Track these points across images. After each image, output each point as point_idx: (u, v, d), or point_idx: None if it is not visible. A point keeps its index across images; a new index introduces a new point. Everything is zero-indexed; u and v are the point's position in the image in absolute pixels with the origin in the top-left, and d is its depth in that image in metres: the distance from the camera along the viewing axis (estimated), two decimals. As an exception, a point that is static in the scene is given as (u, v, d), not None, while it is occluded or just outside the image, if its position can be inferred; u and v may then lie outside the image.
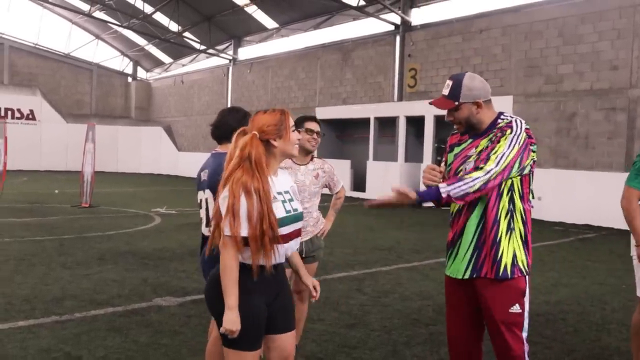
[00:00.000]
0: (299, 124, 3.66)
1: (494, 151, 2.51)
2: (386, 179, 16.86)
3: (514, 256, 2.57)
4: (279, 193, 2.36)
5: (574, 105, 13.48)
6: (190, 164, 26.25)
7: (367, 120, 18.25)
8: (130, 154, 29.71)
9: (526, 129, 2.58)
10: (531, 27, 14.37)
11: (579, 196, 12.40)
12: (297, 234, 2.42)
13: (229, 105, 26.00)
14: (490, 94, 2.68)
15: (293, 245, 2.42)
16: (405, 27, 17.88)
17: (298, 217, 2.41)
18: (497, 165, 2.47)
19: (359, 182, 18.36)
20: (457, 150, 2.74)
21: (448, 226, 2.77)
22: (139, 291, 5.64)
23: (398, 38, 18.11)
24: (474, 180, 2.44)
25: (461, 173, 2.63)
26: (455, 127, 2.69)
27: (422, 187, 2.66)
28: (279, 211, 2.30)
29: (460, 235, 2.65)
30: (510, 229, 2.57)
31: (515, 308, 2.54)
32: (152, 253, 7.67)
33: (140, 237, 8.97)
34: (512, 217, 2.56)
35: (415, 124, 17.31)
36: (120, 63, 33.25)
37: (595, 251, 8.98)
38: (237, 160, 2.28)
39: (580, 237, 10.41)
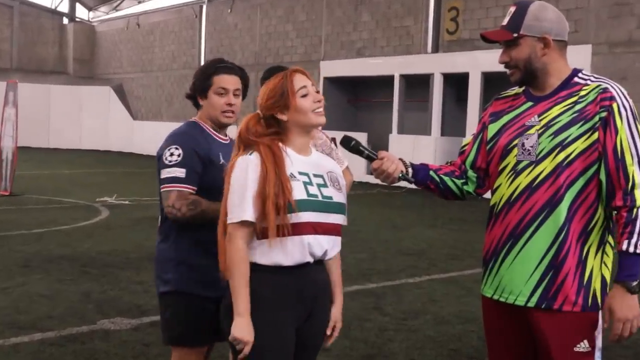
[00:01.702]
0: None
1: (620, 147, 2.49)
2: (415, 159, 16.60)
3: (603, 280, 2.57)
4: (302, 173, 2.51)
5: (675, 58, 13.37)
6: (150, 137, 26.24)
7: (389, 79, 18.22)
8: (67, 124, 29.78)
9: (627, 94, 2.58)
10: (618, -51, 14.23)
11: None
12: (327, 228, 2.54)
13: (202, 58, 26.09)
14: (567, 34, 2.66)
15: (322, 242, 2.52)
16: (443, -50, 17.78)
17: (330, 207, 2.54)
18: None
19: (378, 163, 18.33)
20: (506, 119, 2.71)
21: (488, 225, 2.73)
22: (77, 310, 5.62)
23: (434, -35, 18.02)
24: None
25: (515, 152, 2.60)
26: (508, 74, 2.66)
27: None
28: (297, 192, 2.45)
29: (516, 244, 2.61)
30: (603, 242, 2.58)
31: (583, 346, 2.54)
32: (96, 258, 7.67)
33: (81, 237, 8.97)
34: (607, 225, 2.58)
35: (456, 84, 17.25)
36: (53, -1, 33.20)
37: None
38: (237, 140, 2.55)
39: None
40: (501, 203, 2.66)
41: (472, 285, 6.97)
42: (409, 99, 18.11)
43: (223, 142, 3.11)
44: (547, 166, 2.54)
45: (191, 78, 3.21)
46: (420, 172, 2.79)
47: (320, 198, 2.52)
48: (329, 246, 2.55)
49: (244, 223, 2.43)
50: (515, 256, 2.61)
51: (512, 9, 2.64)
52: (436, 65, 17.23)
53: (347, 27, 20.43)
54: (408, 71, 17.85)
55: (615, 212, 2.51)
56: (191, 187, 2.90)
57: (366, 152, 2.75)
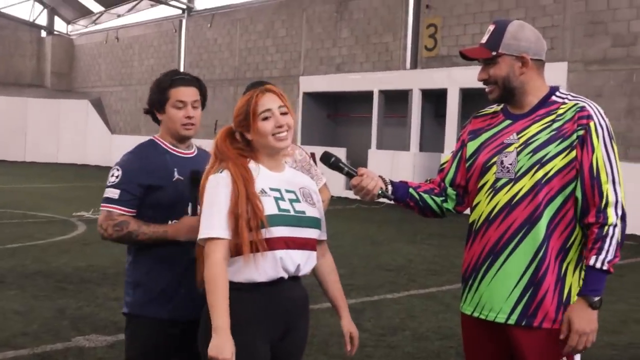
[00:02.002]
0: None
1: (595, 165, 2.52)
2: (394, 174, 16.78)
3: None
4: (273, 189, 2.54)
5: (650, 76, 13.55)
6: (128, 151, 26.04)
7: (369, 94, 18.27)
8: (43, 137, 29.51)
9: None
10: (593, -31, 14.42)
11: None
12: (300, 242, 2.54)
13: (181, 71, 25.91)
14: (545, 53, 2.69)
15: (295, 257, 2.52)
16: (422, -32, 17.91)
17: (303, 221, 2.55)
18: (617, 185, 2.54)
19: (357, 179, 18.34)
20: (484, 136, 2.74)
21: (467, 243, 2.74)
22: (52, 327, 5.55)
23: (413, -18, 18.15)
24: (614, 228, 2.50)
25: (494, 169, 2.63)
26: (487, 91, 2.69)
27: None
28: (267, 207, 2.47)
29: (496, 261, 2.62)
30: (582, 259, 2.60)
31: None
32: (72, 274, 7.59)
33: (57, 252, 8.89)
34: (585, 242, 2.60)
35: (434, 100, 17.33)
36: (30, 10, 32.92)
37: (678, 274, 9.02)
38: (212, 157, 2.59)
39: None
40: (480, 220, 2.67)
41: (451, 301, 6.98)
42: (387, 115, 18.16)
43: (184, 156, 3.05)
44: (526, 183, 2.56)
45: None
46: (399, 190, 2.81)
47: (292, 213, 2.53)
48: (302, 261, 2.54)
49: (215, 240, 2.43)
50: (495, 273, 2.62)
51: (491, 27, 2.68)
52: (415, 81, 17.31)
53: (326, 42, 20.49)
54: (387, 87, 17.91)
55: (587, 228, 2.54)
56: (122, 208, 2.88)
57: (346, 168, 2.76)
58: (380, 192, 2.71)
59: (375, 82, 18.19)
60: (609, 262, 2.46)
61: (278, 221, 2.48)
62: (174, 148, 3.05)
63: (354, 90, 18.93)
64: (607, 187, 2.51)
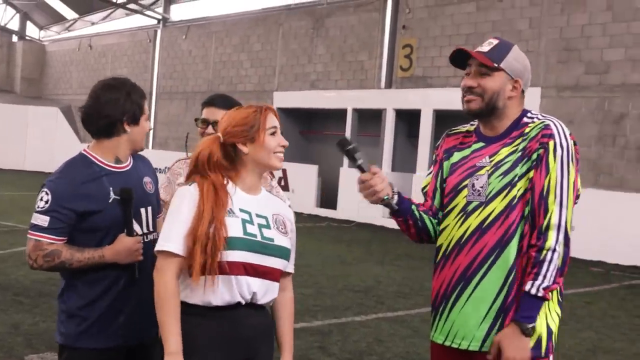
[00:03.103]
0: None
1: (547, 186, 2.46)
2: (366, 194, 16.75)
3: (548, 326, 2.52)
4: (243, 211, 2.42)
5: (623, 103, 13.67)
6: (96, 161, 25.76)
7: (342, 112, 18.24)
8: (10, 143, 29.02)
9: (570, 134, 2.55)
10: (569, -4, 14.58)
11: (627, 227, 12.54)
12: (261, 271, 2.41)
13: (154, 83, 25.82)
14: (528, 86, 2.68)
15: (251, 284, 2.39)
16: (400, -12, 17.99)
17: (268, 249, 2.43)
18: (564, 209, 2.46)
19: (328, 196, 18.30)
20: (456, 157, 2.69)
21: (436, 269, 2.67)
22: (5, 344, 5.37)
23: (389, 2, 18.19)
24: (552, 252, 2.42)
25: (465, 192, 2.57)
26: (466, 99, 2.62)
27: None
28: (232, 229, 2.35)
29: (467, 287, 2.55)
30: None
31: None
32: (30, 287, 7.39)
33: (17, 264, 8.64)
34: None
35: (408, 120, 17.33)
36: (1, 14, 32.62)
37: (646, 304, 9.04)
38: (191, 164, 2.47)
39: (627, 284, 10.49)
40: (450, 245, 2.60)
41: (419, 325, 6.89)
42: (361, 133, 18.12)
43: (119, 171, 2.83)
44: (497, 206, 2.51)
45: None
46: (404, 203, 2.69)
47: (258, 238, 2.42)
48: (259, 290, 2.41)
49: (171, 254, 2.33)
50: (467, 300, 2.54)
51: (494, 41, 2.64)
52: (389, 100, 17.30)
53: (301, 59, 20.46)
54: (361, 105, 17.89)
55: (529, 250, 2.48)
56: (52, 237, 2.65)
57: (359, 161, 2.60)
58: (386, 197, 2.58)
59: (349, 100, 18.17)
60: (544, 288, 2.39)
61: (240, 245, 2.37)
62: (114, 165, 2.82)
63: (328, 108, 18.90)
64: (553, 209, 2.44)
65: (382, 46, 18.36)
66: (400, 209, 2.66)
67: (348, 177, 17.70)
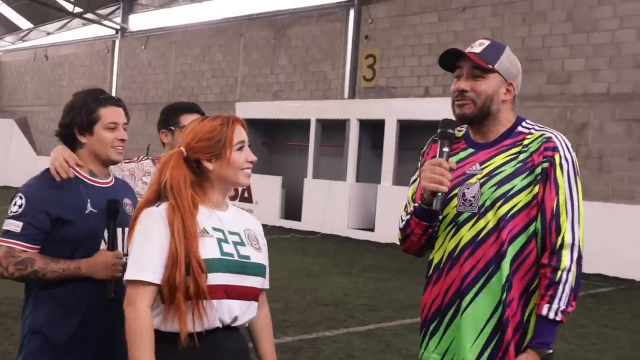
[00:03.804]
0: (171, 118, 3.43)
1: (556, 204, 2.37)
2: (330, 204, 16.70)
3: None
4: (216, 229, 2.27)
5: (584, 113, 13.83)
6: (53, 173, 25.29)
7: (306, 123, 18.15)
8: (-36, 157, 28.35)
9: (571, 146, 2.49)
10: (532, 5, 14.73)
11: (589, 236, 12.56)
12: (242, 292, 2.26)
13: (113, 94, 25.42)
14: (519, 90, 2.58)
15: (233, 308, 2.23)
16: (362, -2, 18.00)
17: (247, 268, 2.28)
18: (576, 226, 2.38)
19: (292, 207, 18.17)
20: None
21: (429, 283, 2.55)
22: (-39, 367, 5.11)
23: (352, 12, 18.19)
24: (567, 273, 2.34)
25: (455, 202, 2.45)
26: (458, 104, 2.49)
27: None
28: (209, 250, 2.19)
29: (462, 302, 2.43)
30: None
31: None
32: (-14, 306, 7.11)
33: (-29, 281, 8.31)
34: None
35: (372, 130, 17.31)
36: (-45, 26, 31.85)
37: (614, 312, 9.10)
38: (153, 187, 2.28)
39: (592, 292, 10.55)
40: (444, 258, 2.48)
41: (390, 339, 6.80)
42: (324, 144, 18.05)
43: (99, 186, 2.73)
44: (490, 219, 2.39)
45: None
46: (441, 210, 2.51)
47: (236, 257, 2.26)
48: (240, 312, 2.26)
49: (143, 284, 2.14)
50: (462, 315, 2.42)
51: (486, 41, 2.51)
52: (352, 111, 17.26)
53: (263, 69, 20.34)
54: (324, 116, 17.81)
55: (540, 271, 2.38)
56: (25, 244, 2.53)
57: (446, 149, 2.41)
58: (440, 194, 2.37)
59: (312, 110, 18.08)
60: (562, 312, 2.30)
61: (220, 266, 2.20)
62: (90, 177, 2.72)
63: (291, 118, 18.78)
64: (566, 227, 2.36)
65: (345, 56, 18.35)
66: (436, 214, 2.47)
67: (313, 188, 17.61)
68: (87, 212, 2.62)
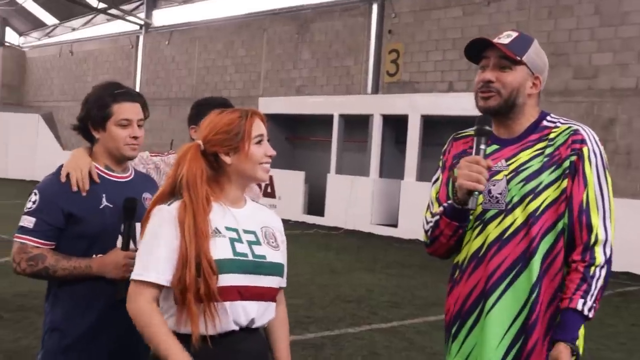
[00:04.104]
0: (202, 113, 3.00)
1: (586, 198, 2.30)
2: (353, 200, 16.64)
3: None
4: (230, 229, 2.19)
5: (612, 108, 13.64)
6: (78, 168, 25.51)
7: (329, 118, 18.10)
8: (-9, 151, 28.69)
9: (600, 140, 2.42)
10: None
11: (618, 233, 12.34)
12: (258, 292, 2.19)
13: (137, 88, 25.56)
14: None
15: (249, 309, 2.17)
16: (386, -7, 17.90)
17: (262, 268, 2.21)
18: (607, 221, 2.31)
19: (315, 203, 18.13)
20: None
21: (452, 283, 2.47)
22: (-16, 361, 5.15)
23: (375, 7, 18.08)
24: (601, 269, 2.27)
25: (480, 199, 2.36)
26: (483, 96, 2.41)
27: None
28: (220, 250, 2.13)
29: (486, 304, 2.35)
30: None
31: None
32: (11, 301, 7.16)
33: (-4, 275, 8.39)
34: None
35: (395, 125, 17.21)
36: (-18, 22, 32.20)
37: (641, 311, 8.94)
38: (168, 180, 2.21)
39: (620, 291, 10.39)
40: (467, 257, 2.40)
41: (414, 336, 6.73)
42: (347, 139, 17.98)
43: (116, 180, 2.68)
44: (518, 216, 2.32)
45: None
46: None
47: (250, 257, 2.19)
48: (257, 314, 2.20)
49: (147, 283, 2.11)
50: (485, 317, 2.34)
51: (513, 33, 2.44)
52: (376, 106, 17.18)
53: (287, 64, 20.30)
54: (347, 111, 17.75)
55: (570, 266, 2.29)
56: (38, 240, 2.51)
57: (484, 147, 2.33)
58: (477, 193, 2.28)
59: (335, 105, 18.03)
60: (594, 309, 2.23)
61: (232, 267, 2.14)
62: (106, 171, 2.67)
63: (314, 114, 18.75)
64: (598, 224, 2.28)
65: (368, 51, 18.24)
66: (468, 214, 2.38)
67: (335, 184, 17.55)
68: (102, 207, 2.58)
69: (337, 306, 8.00)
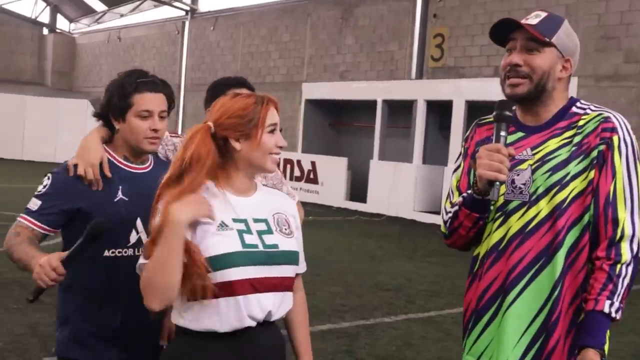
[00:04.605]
0: (219, 94, 2.95)
1: (613, 191, 2.16)
2: (396, 187, 16.50)
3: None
4: (238, 220, 2.11)
5: (663, 94, 13.21)
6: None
7: (372, 104, 17.97)
8: (42, 136, 29.18)
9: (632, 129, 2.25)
10: (607, -18, 14.12)
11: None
12: (272, 284, 2.11)
13: (183, 74, 25.73)
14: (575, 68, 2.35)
15: (264, 302, 2.09)
16: (431, -24, 17.65)
17: (275, 257, 2.12)
18: (635, 216, 2.14)
19: (358, 189, 18.04)
20: None
21: (472, 277, 2.35)
22: (19, 345, 5.21)
23: (421, -10, 17.88)
24: (627, 267, 2.13)
25: (503, 189, 2.22)
26: (511, 82, 2.26)
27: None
28: (229, 244, 2.05)
29: (505, 299, 2.23)
30: None
31: None
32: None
33: (38, 259, 8.53)
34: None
35: (440, 111, 17.00)
36: (32, 7, 32.74)
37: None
38: (177, 163, 2.10)
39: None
40: (487, 250, 2.27)
41: (451, 327, 6.61)
42: (391, 125, 17.82)
43: (135, 171, 2.57)
44: (543, 208, 2.19)
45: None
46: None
47: (261, 248, 2.11)
48: (274, 306, 2.12)
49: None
50: (504, 313, 2.22)
51: (542, 13, 2.29)
52: (420, 91, 16.96)
53: (330, 49, 20.20)
54: (391, 96, 17.58)
55: (594, 263, 2.16)
56: (34, 221, 2.42)
57: (504, 134, 2.19)
58: (498, 183, 2.14)
59: (379, 91, 17.87)
60: (621, 310, 2.10)
61: (242, 260, 2.06)
62: (124, 162, 2.57)
63: (357, 99, 18.63)
64: (624, 217, 2.13)
65: (413, 36, 18.04)
66: (489, 204, 2.27)
67: (379, 170, 17.43)
68: (117, 199, 2.50)
69: (374, 294, 7.91)
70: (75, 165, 2.48)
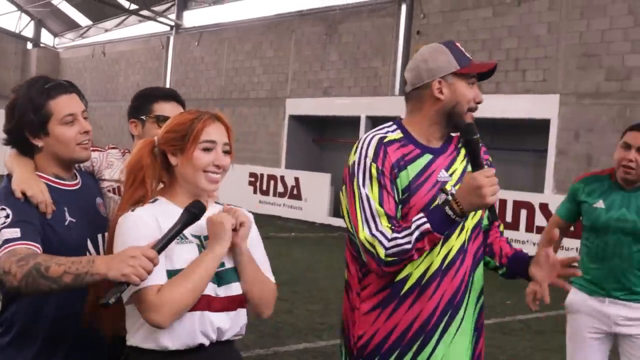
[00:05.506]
0: (143, 105, 2.79)
1: None
2: (379, 203, 16.47)
3: None
4: (195, 236, 2.10)
5: (644, 111, 13.27)
6: (108, 168, 25.76)
7: (356, 120, 18.01)
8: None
9: None
10: None
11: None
12: (225, 302, 2.06)
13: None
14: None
15: (215, 321, 2.03)
16: (414, -7, 17.71)
17: (223, 277, 2.08)
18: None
19: (340, 205, 17.95)
20: (411, 172, 2.30)
21: (404, 301, 2.35)
22: None
23: (404, 7, 17.93)
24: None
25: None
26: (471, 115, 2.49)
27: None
28: (190, 257, 2.03)
29: (455, 317, 2.31)
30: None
31: None
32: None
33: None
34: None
35: (423, 127, 17.04)
36: (16, 21, 32.60)
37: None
38: (128, 181, 2.15)
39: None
40: (428, 272, 2.27)
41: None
42: (374, 141, 17.85)
43: (72, 189, 2.35)
44: (470, 225, 2.33)
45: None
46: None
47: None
48: (227, 325, 2.05)
49: (152, 287, 1.97)
50: (456, 331, 2.29)
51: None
52: (403, 107, 16.85)
53: (314, 65, 20.22)
54: (374, 113, 17.60)
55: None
56: (30, 242, 2.09)
57: (480, 157, 2.25)
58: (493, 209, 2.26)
59: (362, 107, 17.91)
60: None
61: None
62: (58, 181, 2.33)
63: (341, 115, 18.66)
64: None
65: (396, 52, 18.10)
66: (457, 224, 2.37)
67: (361, 186, 17.40)
68: (66, 223, 2.28)
69: (354, 313, 7.82)
70: (23, 192, 2.22)
